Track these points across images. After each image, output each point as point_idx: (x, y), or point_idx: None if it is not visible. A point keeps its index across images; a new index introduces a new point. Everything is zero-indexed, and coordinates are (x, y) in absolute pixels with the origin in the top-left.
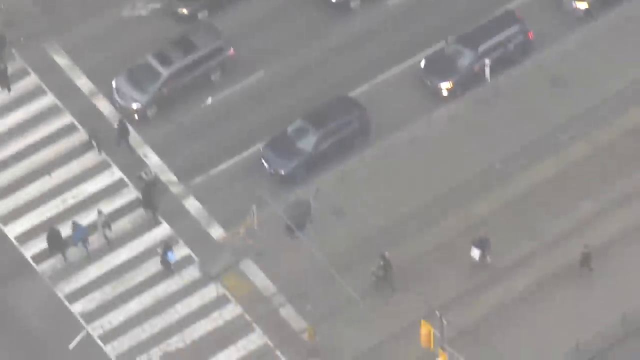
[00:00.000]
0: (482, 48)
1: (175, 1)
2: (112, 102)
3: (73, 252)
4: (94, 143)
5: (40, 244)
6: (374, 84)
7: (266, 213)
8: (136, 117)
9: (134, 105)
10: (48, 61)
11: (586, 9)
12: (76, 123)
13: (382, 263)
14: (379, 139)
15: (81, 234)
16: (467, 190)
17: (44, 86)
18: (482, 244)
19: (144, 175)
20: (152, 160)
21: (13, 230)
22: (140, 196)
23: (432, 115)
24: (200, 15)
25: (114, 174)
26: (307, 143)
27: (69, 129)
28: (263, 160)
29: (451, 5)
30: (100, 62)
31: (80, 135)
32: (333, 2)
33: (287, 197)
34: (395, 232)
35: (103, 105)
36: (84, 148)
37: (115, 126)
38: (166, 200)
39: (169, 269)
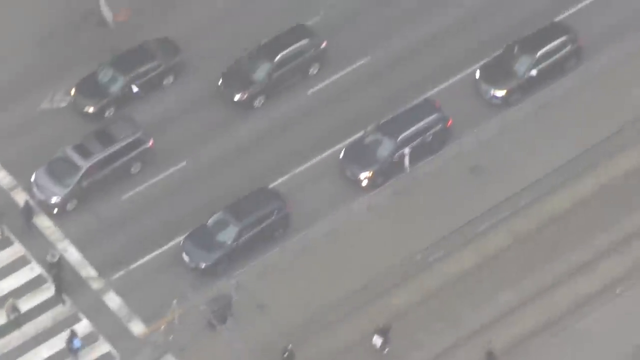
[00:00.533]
0: (401, 137)
1: (80, 98)
2: (32, 195)
3: None
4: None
5: None
6: (294, 175)
7: (187, 307)
8: (55, 210)
9: (54, 199)
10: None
11: (503, 96)
12: (13, 238)
13: (285, 355)
14: (299, 230)
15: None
16: (387, 281)
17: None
18: (383, 332)
19: (49, 258)
20: (72, 254)
21: None
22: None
23: (352, 206)
24: (106, 113)
25: (33, 269)
26: (228, 236)
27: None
28: (184, 254)
29: (369, 95)
30: (18, 154)
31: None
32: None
33: (208, 290)
34: (314, 326)
35: (20, 199)
36: (2, 243)
37: (21, 208)
38: (86, 295)
39: (75, 356)
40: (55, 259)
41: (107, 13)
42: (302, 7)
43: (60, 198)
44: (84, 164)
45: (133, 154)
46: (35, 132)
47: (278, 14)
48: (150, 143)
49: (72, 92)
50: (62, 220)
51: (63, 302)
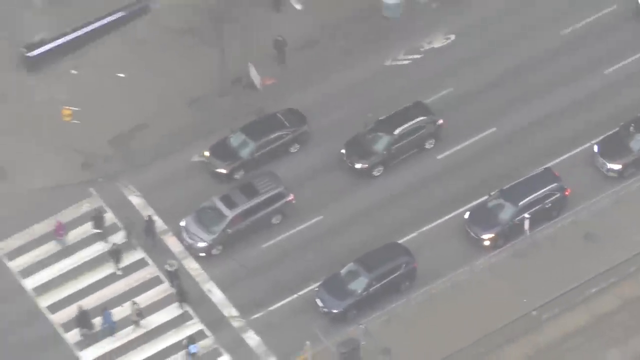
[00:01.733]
0: (522, 203)
1: (214, 160)
2: (180, 240)
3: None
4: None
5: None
6: (421, 232)
7: (319, 348)
8: (202, 254)
9: (201, 244)
10: (123, 200)
11: (619, 169)
12: (147, 258)
13: None
14: (424, 284)
15: (109, 322)
16: (502, 335)
17: (118, 223)
18: None
19: (168, 267)
20: (216, 295)
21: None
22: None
23: (474, 264)
24: (237, 176)
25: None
26: (358, 285)
27: (140, 264)
28: (317, 299)
29: (494, 163)
30: (170, 202)
31: (151, 269)
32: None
33: (339, 334)
34: None
35: (172, 242)
36: (155, 281)
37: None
38: (227, 332)
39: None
40: (173, 269)
41: (255, 78)
42: (422, 85)
43: (207, 244)
44: (230, 214)
45: (275, 206)
46: (184, 183)
47: (400, 92)
48: (291, 197)
49: (207, 153)
50: (207, 263)
51: (183, 310)
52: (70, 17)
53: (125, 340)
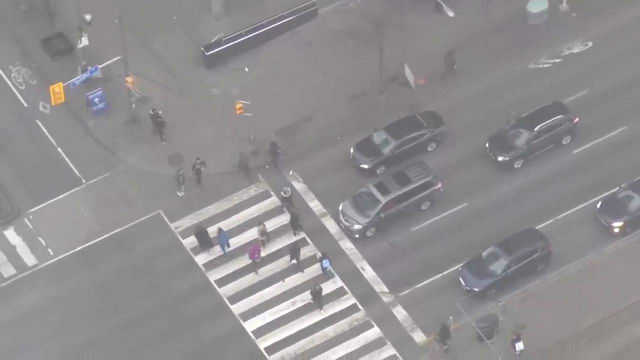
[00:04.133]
0: None
1: (358, 155)
2: (337, 222)
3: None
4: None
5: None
6: (557, 219)
7: (461, 323)
8: (357, 236)
9: (356, 227)
10: (287, 185)
11: None
12: (307, 239)
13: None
14: (558, 266)
15: (224, 240)
16: (628, 314)
17: (284, 208)
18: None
19: (283, 194)
20: (368, 273)
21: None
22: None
23: (604, 249)
24: (378, 171)
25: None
26: (498, 267)
27: (301, 243)
28: (460, 279)
29: (625, 157)
30: (328, 188)
31: (311, 249)
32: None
33: (479, 311)
34: (567, 347)
35: (329, 224)
36: (312, 259)
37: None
38: (377, 307)
39: (325, 274)
40: (288, 195)
41: (410, 77)
42: (560, 86)
43: (361, 226)
44: (383, 199)
45: (424, 193)
46: (343, 172)
47: (540, 92)
48: (439, 185)
49: (351, 150)
50: (361, 244)
51: (296, 234)
52: (245, 20)
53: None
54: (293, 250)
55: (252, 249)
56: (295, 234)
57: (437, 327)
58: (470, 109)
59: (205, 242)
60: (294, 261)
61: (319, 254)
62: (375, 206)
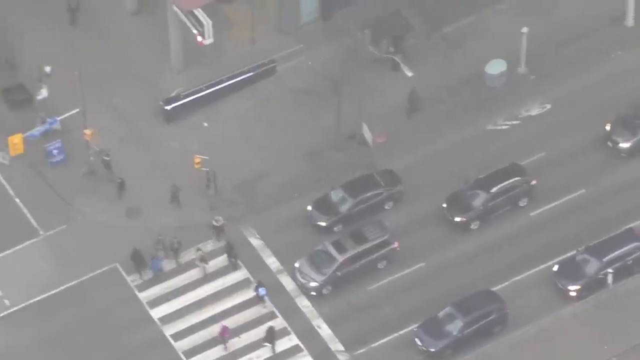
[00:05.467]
0: (606, 259)
1: (315, 213)
2: (294, 279)
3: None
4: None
5: None
6: (514, 281)
7: None
8: (313, 293)
9: (312, 284)
10: (243, 241)
11: None
12: (266, 298)
13: None
14: (514, 328)
15: (156, 265)
16: None
17: (239, 262)
18: None
19: (214, 222)
20: (325, 331)
21: None
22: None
23: (561, 312)
24: (335, 229)
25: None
26: (454, 327)
27: (257, 300)
28: (416, 339)
29: (583, 222)
30: (286, 244)
31: (267, 306)
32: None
33: None
34: None
35: (286, 281)
36: (269, 316)
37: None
38: None
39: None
40: (219, 224)
41: (368, 135)
42: (518, 148)
43: (318, 284)
44: (340, 257)
45: (381, 252)
46: (299, 229)
47: (497, 154)
48: (396, 244)
49: (309, 207)
50: (318, 302)
51: (232, 262)
52: (204, 74)
53: None
54: (269, 334)
55: (223, 328)
56: (232, 262)
57: None
58: (428, 169)
59: (139, 264)
60: (268, 344)
61: (255, 283)
62: (332, 264)
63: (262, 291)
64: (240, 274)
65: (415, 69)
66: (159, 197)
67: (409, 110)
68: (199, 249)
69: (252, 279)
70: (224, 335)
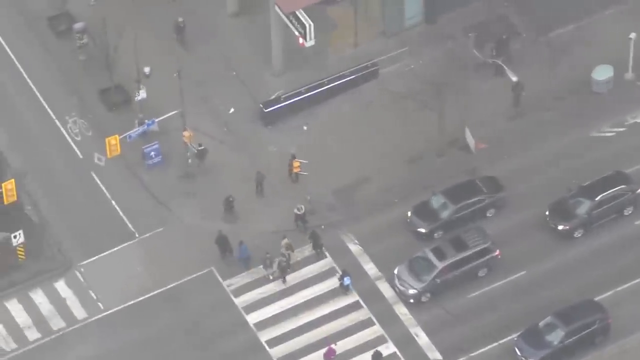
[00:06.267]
0: None
1: (415, 219)
2: (392, 286)
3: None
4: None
5: None
6: (617, 291)
7: None
8: (412, 300)
9: (411, 291)
10: (342, 247)
11: None
12: (361, 302)
13: None
14: (617, 339)
15: (244, 252)
16: None
17: (337, 268)
18: None
19: (296, 211)
20: (422, 339)
21: None
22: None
23: None
24: (435, 236)
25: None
26: (555, 337)
27: (354, 306)
28: (516, 348)
29: None
30: (385, 250)
31: (365, 312)
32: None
33: None
34: None
35: (384, 288)
36: (366, 323)
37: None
38: None
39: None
40: (301, 212)
41: (470, 141)
42: (623, 156)
43: (417, 291)
44: (440, 265)
45: (482, 260)
46: (398, 235)
47: (603, 161)
48: (497, 252)
49: (409, 213)
50: (416, 309)
51: (318, 253)
52: (305, 76)
53: None
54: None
55: (329, 350)
56: (317, 254)
57: None
58: (531, 176)
59: (225, 249)
60: None
61: (340, 272)
62: (431, 271)
63: (346, 280)
64: (332, 275)
65: (520, 73)
66: (255, 201)
67: (513, 99)
68: (284, 237)
69: (337, 268)
70: (330, 357)
